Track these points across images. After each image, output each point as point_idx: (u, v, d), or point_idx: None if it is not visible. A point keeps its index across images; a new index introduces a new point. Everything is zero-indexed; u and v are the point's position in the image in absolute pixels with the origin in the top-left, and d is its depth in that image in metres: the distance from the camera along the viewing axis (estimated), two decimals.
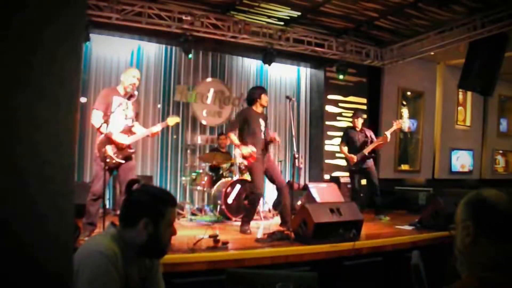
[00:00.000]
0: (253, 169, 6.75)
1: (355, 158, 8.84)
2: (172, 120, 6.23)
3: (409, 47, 10.72)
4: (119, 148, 5.76)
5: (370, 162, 8.92)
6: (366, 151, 8.83)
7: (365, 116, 9.12)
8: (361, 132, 9.07)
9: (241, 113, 7.08)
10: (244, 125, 6.86)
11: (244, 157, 6.74)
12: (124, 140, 5.79)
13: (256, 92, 7.02)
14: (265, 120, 7.07)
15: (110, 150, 5.69)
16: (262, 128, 6.92)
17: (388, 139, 8.69)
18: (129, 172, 5.82)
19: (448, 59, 12.90)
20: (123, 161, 5.80)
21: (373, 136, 9.09)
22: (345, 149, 9.05)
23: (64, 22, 1.07)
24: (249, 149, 6.67)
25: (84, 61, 9.18)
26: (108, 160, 5.62)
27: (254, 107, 6.97)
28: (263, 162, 6.77)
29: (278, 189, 6.95)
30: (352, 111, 9.97)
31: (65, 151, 1.10)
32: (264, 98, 6.96)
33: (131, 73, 5.95)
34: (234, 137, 6.83)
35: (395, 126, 8.78)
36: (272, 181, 6.95)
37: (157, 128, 6.08)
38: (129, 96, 5.89)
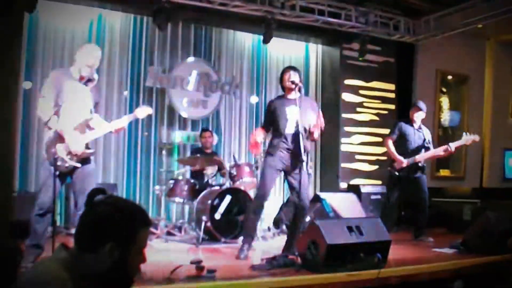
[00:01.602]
0: (264, 175, 6.79)
1: (404, 162, 8.74)
2: (142, 112, 6.21)
3: (450, 18, 10.72)
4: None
5: (423, 172, 8.90)
6: (421, 158, 8.76)
7: (424, 109, 8.97)
8: (419, 131, 8.99)
9: (269, 102, 7.21)
10: (272, 120, 6.90)
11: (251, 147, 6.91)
12: (79, 141, 5.75)
13: (280, 77, 7.07)
14: (303, 106, 6.75)
15: (61, 150, 5.66)
16: (293, 118, 6.76)
17: (452, 152, 8.75)
18: (86, 179, 5.80)
19: (500, 34, 12.91)
20: (78, 165, 5.77)
21: (431, 140, 9.06)
22: (392, 147, 8.95)
23: None
24: (253, 137, 6.78)
25: (28, 36, 9.15)
26: (59, 163, 5.60)
27: (286, 94, 6.97)
28: (283, 162, 6.75)
29: (295, 205, 6.89)
30: (378, 101, 10.01)
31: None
32: (286, 78, 6.89)
33: (88, 50, 5.93)
34: (259, 133, 6.92)
35: (463, 141, 8.76)
36: (292, 192, 6.94)
37: (123, 122, 6.06)
38: (87, 81, 5.88)
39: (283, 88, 6.94)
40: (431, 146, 8.92)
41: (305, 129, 6.70)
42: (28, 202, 6.18)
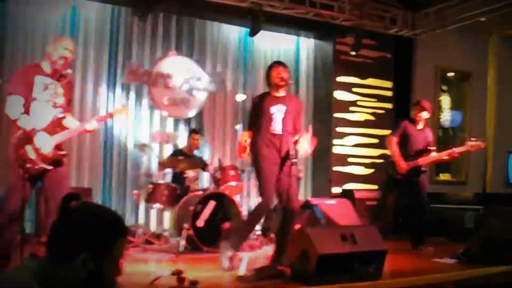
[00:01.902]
0: (261, 171, 6.67)
1: (406, 167, 8.71)
2: (119, 111, 6.18)
3: (451, 11, 10.75)
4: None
5: (424, 175, 8.91)
6: (424, 162, 8.77)
7: (428, 109, 8.96)
8: (422, 133, 8.98)
9: (254, 99, 7.10)
10: (258, 118, 6.81)
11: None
12: (49, 142, 5.71)
13: (266, 73, 6.98)
14: (290, 106, 6.80)
15: (30, 151, 5.61)
16: (278, 118, 6.76)
17: (456, 157, 8.76)
18: (59, 184, 5.76)
19: (505, 28, 12.97)
20: (49, 167, 5.73)
21: (433, 142, 9.06)
22: (396, 148, 8.86)
23: None
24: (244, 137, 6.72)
25: None
26: (28, 165, 5.55)
27: (272, 92, 6.89)
28: (278, 165, 6.68)
29: (284, 210, 6.87)
30: (374, 99, 10.00)
31: None
32: (274, 75, 6.79)
33: (61, 44, 5.89)
34: (245, 134, 6.90)
35: (468, 147, 8.72)
36: (280, 197, 6.89)
37: (92, 124, 6.00)
38: (59, 77, 5.85)
39: (270, 84, 6.85)
40: (434, 148, 8.91)
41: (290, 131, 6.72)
42: None
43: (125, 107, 6.30)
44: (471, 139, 8.85)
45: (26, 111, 5.56)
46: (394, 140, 8.89)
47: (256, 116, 6.79)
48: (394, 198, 9.09)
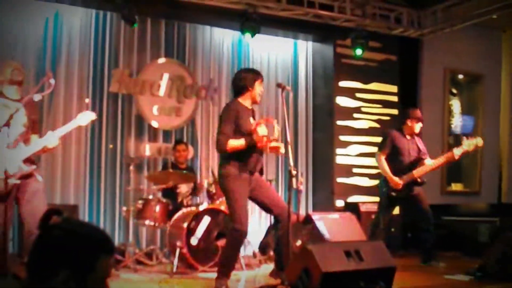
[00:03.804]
0: (232, 192, 6.60)
1: (400, 183, 8.67)
2: (84, 118, 6.18)
3: (460, 8, 10.76)
4: None
5: (419, 187, 8.85)
6: (419, 174, 8.68)
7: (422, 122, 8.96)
8: (412, 142, 8.93)
9: (230, 107, 6.96)
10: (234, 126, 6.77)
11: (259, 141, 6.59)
12: (13, 159, 5.82)
13: (247, 78, 6.87)
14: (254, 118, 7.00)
15: None
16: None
17: (456, 159, 8.68)
18: (33, 199, 5.87)
19: None
20: (17, 181, 5.84)
21: (425, 150, 9.00)
22: (386, 165, 8.81)
23: None
24: (264, 129, 6.57)
25: None
26: None
27: (241, 100, 6.88)
28: (249, 184, 6.70)
29: (276, 219, 6.86)
30: (379, 105, 9.98)
31: None
32: (258, 88, 6.84)
33: (8, 68, 6.10)
34: (234, 141, 6.61)
35: (466, 147, 8.64)
36: (266, 208, 6.87)
37: (59, 133, 6.10)
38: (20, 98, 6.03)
39: (250, 96, 6.85)
40: (427, 156, 8.86)
41: None
42: None
43: (90, 113, 6.28)
44: (467, 138, 8.78)
45: None
46: (382, 157, 8.85)
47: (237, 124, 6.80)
48: (389, 218, 9.03)
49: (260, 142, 6.50)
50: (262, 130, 6.50)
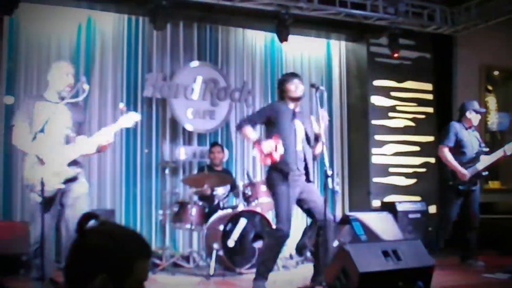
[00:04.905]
0: (278, 194, 6.69)
1: (467, 174, 8.62)
2: (128, 120, 6.18)
3: (494, 3, 10.68)
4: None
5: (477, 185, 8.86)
6: (483, 166, 8.63)
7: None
8: (473, 134, 8.91)
9: (269, 105, 7.10)
10: (270, 125, 6.89)
11: (264, 157, 6.68)
12: (59, 161, 5.86)
13: (280, 82, 7.13)
14: (307, 121, 7.08)
15: (43, 173, 5.72)
16: (299, 133, 6.91)
17: (507, 155, 8.62)
18: (77, 203, 5.89)
19: None
20: (62, 186, 5.89)
21: (484, 142, 9.00)
22: (451, 157, 8.72)
23: None
24: (272, 143, 6.60)
25: (8, 43, 9.25)
26: (39, 188, 5.66)
27: (285, 102, 6.99)
28: (296, 186, 6.74)
29: (318, 226, 6.86)
30: (414, 104, 9.92)
31: None
32: (289, 87, 6.95)
33: (61, 70, 6.13)
34: (250, 130, 6.85)
35: (501, 153, 8.60)
36: (310, 213, 6.91)
37: (106, 134, 6.11)
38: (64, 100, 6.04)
39: (287, 96, 6.99)
40: (488, 150, 8.82)
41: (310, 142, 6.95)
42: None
43: (134, 115, 6.25)
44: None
45: (34, 139, 5.69)
46: (446, 149, 8.75)
47: (270, 124, 6.98)
48: (457, 212, 8.88)
49: (260, 153, 6.67)
50: (267, 146, 6.61)
